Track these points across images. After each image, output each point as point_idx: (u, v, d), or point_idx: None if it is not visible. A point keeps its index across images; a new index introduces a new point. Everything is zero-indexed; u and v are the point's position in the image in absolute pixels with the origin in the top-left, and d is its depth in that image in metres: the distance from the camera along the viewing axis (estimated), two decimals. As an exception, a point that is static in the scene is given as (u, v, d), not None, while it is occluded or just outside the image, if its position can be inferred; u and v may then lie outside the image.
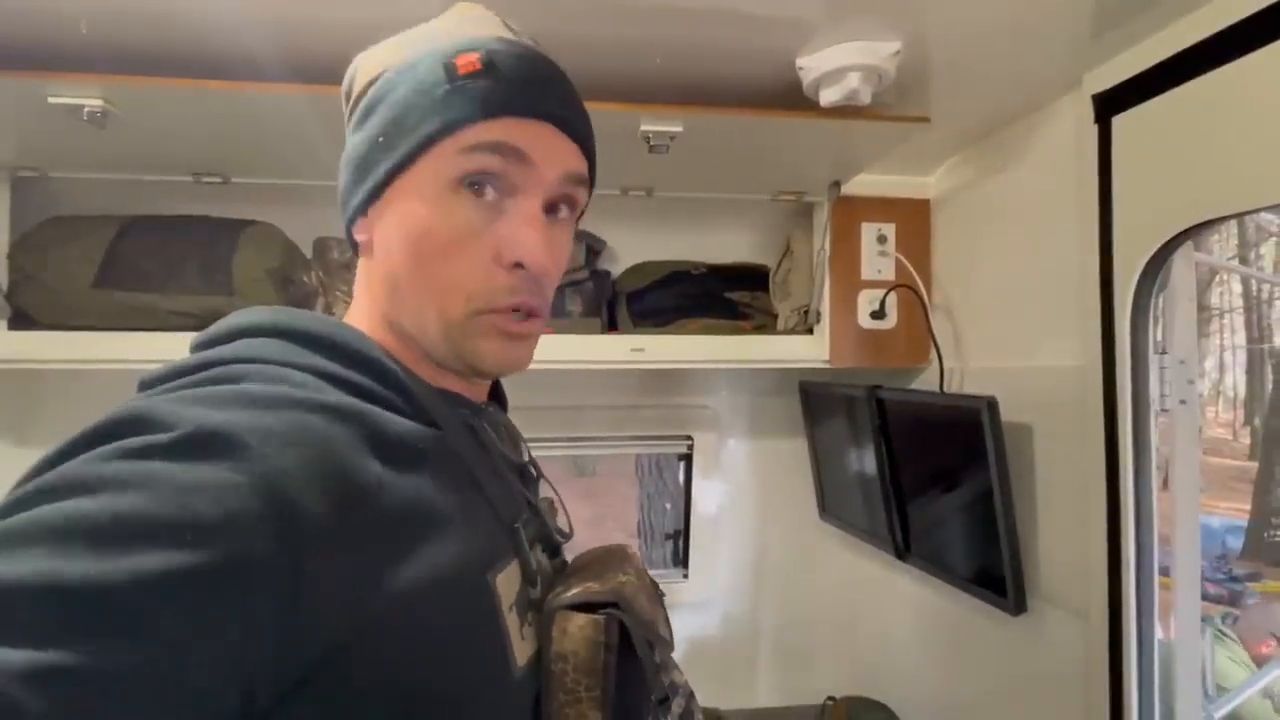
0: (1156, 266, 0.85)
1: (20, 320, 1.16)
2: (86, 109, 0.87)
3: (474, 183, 0.44)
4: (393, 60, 0.47)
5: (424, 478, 0.42)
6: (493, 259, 0.45)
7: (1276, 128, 0.69)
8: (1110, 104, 0.89)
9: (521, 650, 0.44)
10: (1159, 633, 0.89)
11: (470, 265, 0.45)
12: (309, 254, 1.32)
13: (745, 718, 1.55)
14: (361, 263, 0.51)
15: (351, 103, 0.50)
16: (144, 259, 1.17)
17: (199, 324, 1.20)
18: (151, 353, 1.13)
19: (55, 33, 0.83)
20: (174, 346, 1.11)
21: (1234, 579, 5.22)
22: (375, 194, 0.47)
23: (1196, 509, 0.90)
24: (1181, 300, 0.88)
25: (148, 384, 0.41)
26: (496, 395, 0.60)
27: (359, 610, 0.35)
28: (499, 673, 0.42)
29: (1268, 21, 0.69)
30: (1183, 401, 0.87)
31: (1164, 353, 0.88)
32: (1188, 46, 0.78)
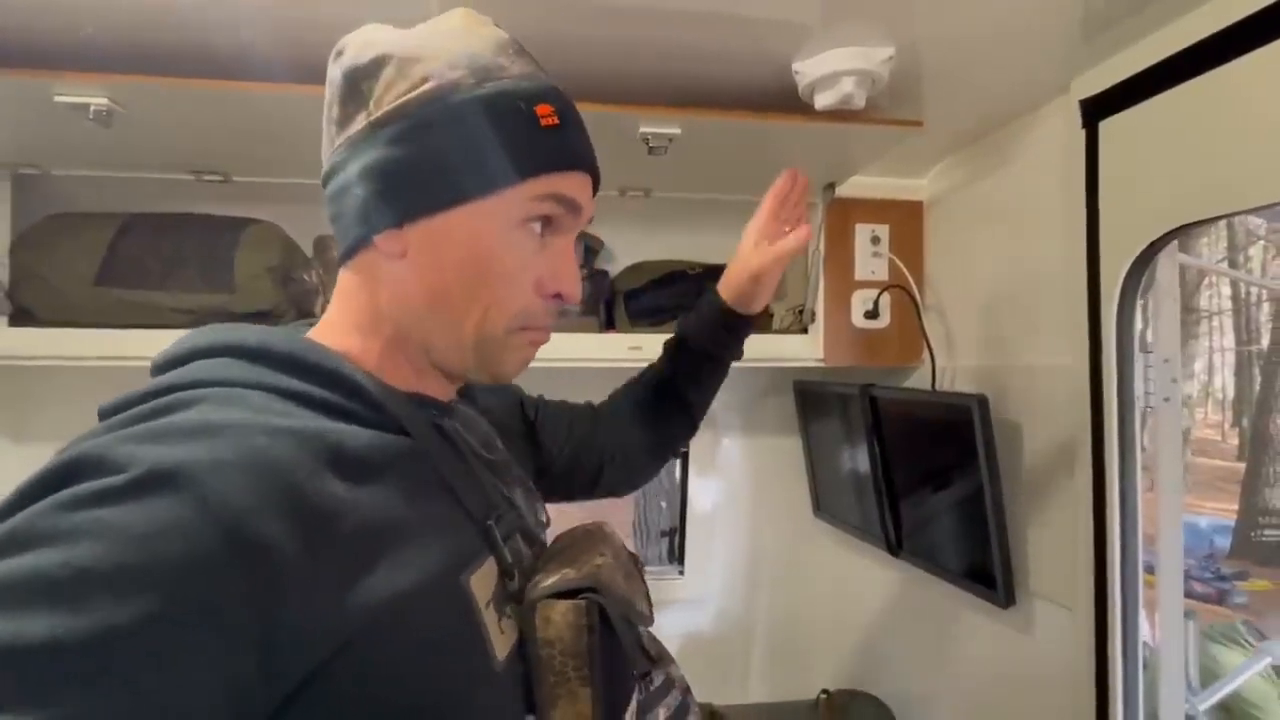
0: (1141, 267, 0.88)
1: (21, 317, 1.17)
2: (92, 107, 0.88)
3: (535, 221, 0.50)
4: (451, 76, 0.47)
5: (388, 489, 0.43)
6: (534, 287, 0.51)
7: (1258, 133, 0.71)
8: (1097, 108, 0.91)
9: (501, 644, 0.46)
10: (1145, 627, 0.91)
11: (517, 291, 0.50)
12: (308, 252, 1.33)
13: (741, 713, 1.56)
14: (371, 266, 0.50)
15: (395, 105, 0.47)
16: (146, 256, 1.18)
17: (200, 321, 1.20)
18: (153, 349, 1.14)
19: (60, 32, 0.84)
20: (175, 343, 1.13)
21: (1221, 578, 5.29)
22: (429, 211, 0.47)
23: (1179, 503, 0.92)
24: (1166, 300, 0.91)
25: (106, 412, 0.42)
26: (465, 391, 0.61)
27: (332, 629, 0.37)
28: (480, 669, 0.44)
29: (1249, 30, 0.72)
30: (1166, 399, 0.89)
31: (1149, 351, 0.91)
32: (1172, 54, 0.80)
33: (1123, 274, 0.88)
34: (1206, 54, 0.76)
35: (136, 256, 1.18)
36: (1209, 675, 1.88)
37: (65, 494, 0.33)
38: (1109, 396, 0.89)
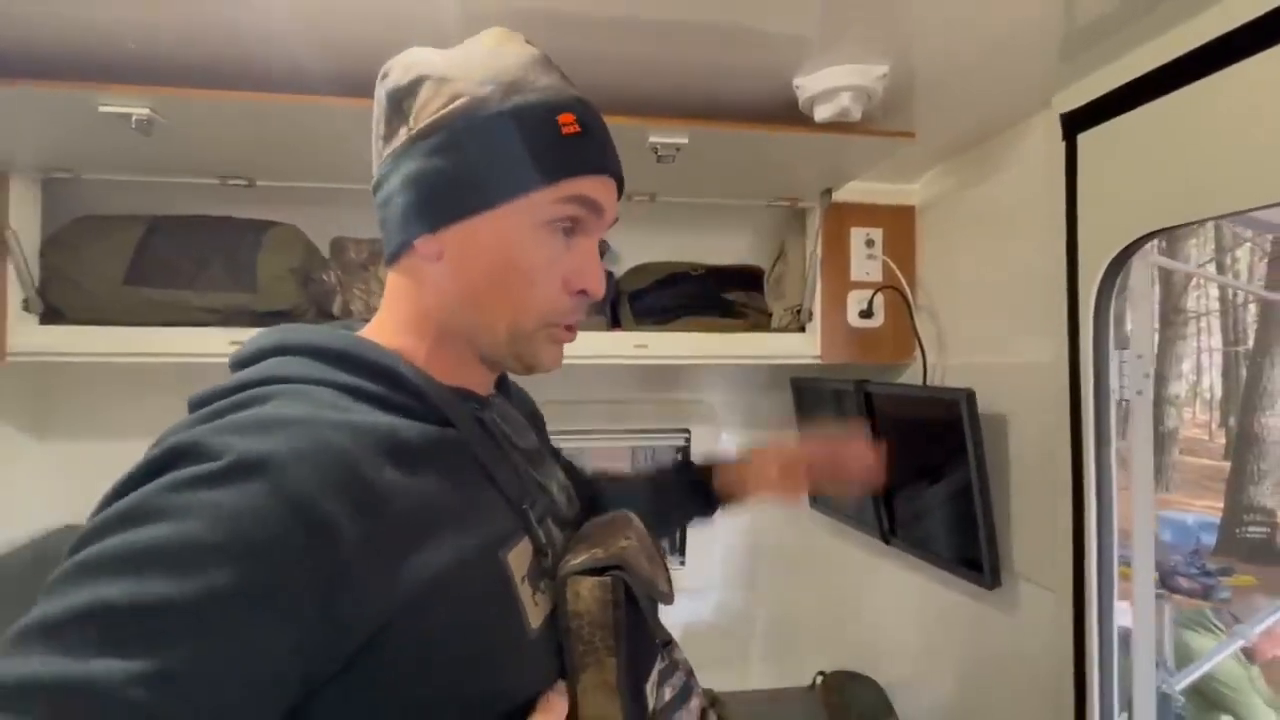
0: (1116, 270, 0.94)
1: (51, 316, 1.21)
2: (135, 118, 0.93)
3: (560, 223, 0.54)
4: (481, 92, 0.52)
5: (435, 476, 0.48)
6: (562, 285, 0.55)
7: (1222, 146, 0.77)
8: (1076, 123, 0.98)
9: (535, 614, 0.50)
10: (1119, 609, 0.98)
11: (547, 289, 0.54)
12: (326, 253, 1.38)
13: (741, 698, 1.62)
14: (415, 269, 0.55)
15: (430, 120, 0.52)
16: (173, 257, 1.23)
17: (224, 319, 1.26)
18: (181, 346, 1.19)
19: (104, 46, 0.89)
20: (202, 341, 1.19)
21: (1207, 573, 5.38)
22: (465, 216, 0.52)
23: (1151, 491, 0.99)
24: (1140, 300, 0.97)
25: (196, 403, 0.48)
26: (501, 385, 0.66)
27: (389, 598, 0.42)
28: (516, 636, 0.49)
29: (1214, 52, 0.78)
30: (1139, 392, 0.96)
31: (1124, 348, 0.97)
32: (1143, 73, 0.87)
33: (1099, 275, 0.94)
34: (1175, 74, 0.83)
35: (164, 257, 1.23)
36: (1182, 659, 1.96)
37: (170, 477, 0.39)
38: (1086, 391, 0.96)
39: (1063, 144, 1.00)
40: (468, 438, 0.53)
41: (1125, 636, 1.01)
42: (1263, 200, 0.73)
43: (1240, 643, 1.88)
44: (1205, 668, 1.77)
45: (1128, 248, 0.92)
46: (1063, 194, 1.00)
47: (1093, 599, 0.96)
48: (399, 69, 0.54)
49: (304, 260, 1.30)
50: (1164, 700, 1.69)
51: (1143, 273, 0.98)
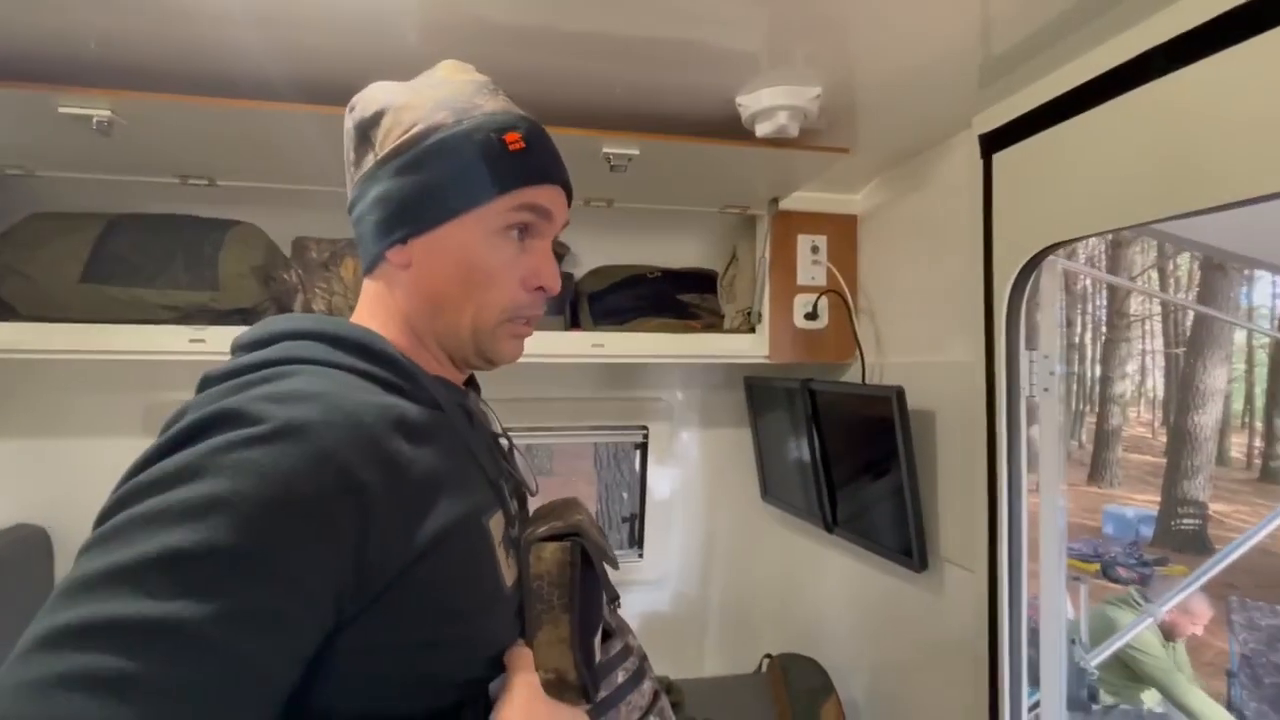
0: (1025, 277, 1.04)
1: (5, 313, 1.20)
2: (95, 119, 0.95)
3: (512, 229, 0.60)
4: (434, 119, 0.58)
5: (435, 450, 0.54)
6: (520, 284, 0.61)
7: (1116, 167, 0.86)
8: (992, 143, 1.07)
9: (509, 575, 0.58)
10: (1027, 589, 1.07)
11: (505, 287, 0.61)
12: (288, 252, 1.40)
13: (696, 685, 1.69)
14: (389, 276, 0.62)
15: (391, 146, 0.58)
16: (133, 255, 1.24)
17: (184, 317, 1.27)
18: (140, 343, 1.20)
19: (65, 48, 0.91)
20: (162, 338, 1.20)
21: (1144, 564, 5.69)
22: (426, 229, 0.58)
23: (1058, 481, 1.09)
24: (1047, 305, 1.07)
25: (211, 379, 0.52)
26: (470, 382, 0.73)
27: (406, 548, 0.48)
28: (496, 590, 0.56)
29: (1110, 81, 0.87)
30: (1046, 390, 1.05)
31: (1034, 349, 1.07)
32: (1049, 99, 0.96)
33: (1010, 282, 1.04)
34: (1076, 101, 0.92)
35: (123, 255, 1.24)
36: (1111, 630, 2.15)
37: (217, 439, 0.43)
38: (999, 388, 1.05)
39: (980, 162, 1.09)
40: (454, 420, 0.59)
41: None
42: (1154, 215, 0.82)
43: (1149, 620, 2.04)
44: (1117, 645, 1.92)
45: (1035, 257, 1.01)
46: (981, 208, 1.09)
47: (1004, 578, 1.06)
48: (363, 103, 0.61)
49: (266, 259, 1.32)
50: (1079, 674, 1.83)
51: (1050, 281, 1.08)
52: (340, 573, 0.45)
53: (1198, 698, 2.11)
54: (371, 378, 0.55)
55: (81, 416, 1.41)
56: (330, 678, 0.47)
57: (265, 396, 0.47)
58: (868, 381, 1.45)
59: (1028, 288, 1.05)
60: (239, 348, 0.57)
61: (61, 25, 0.87)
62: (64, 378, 1.43)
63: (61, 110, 0.94)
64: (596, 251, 1.59)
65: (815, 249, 1.50)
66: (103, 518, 0.42)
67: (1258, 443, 13.12)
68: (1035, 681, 1.10)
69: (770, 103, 1.01)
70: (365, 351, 0.56)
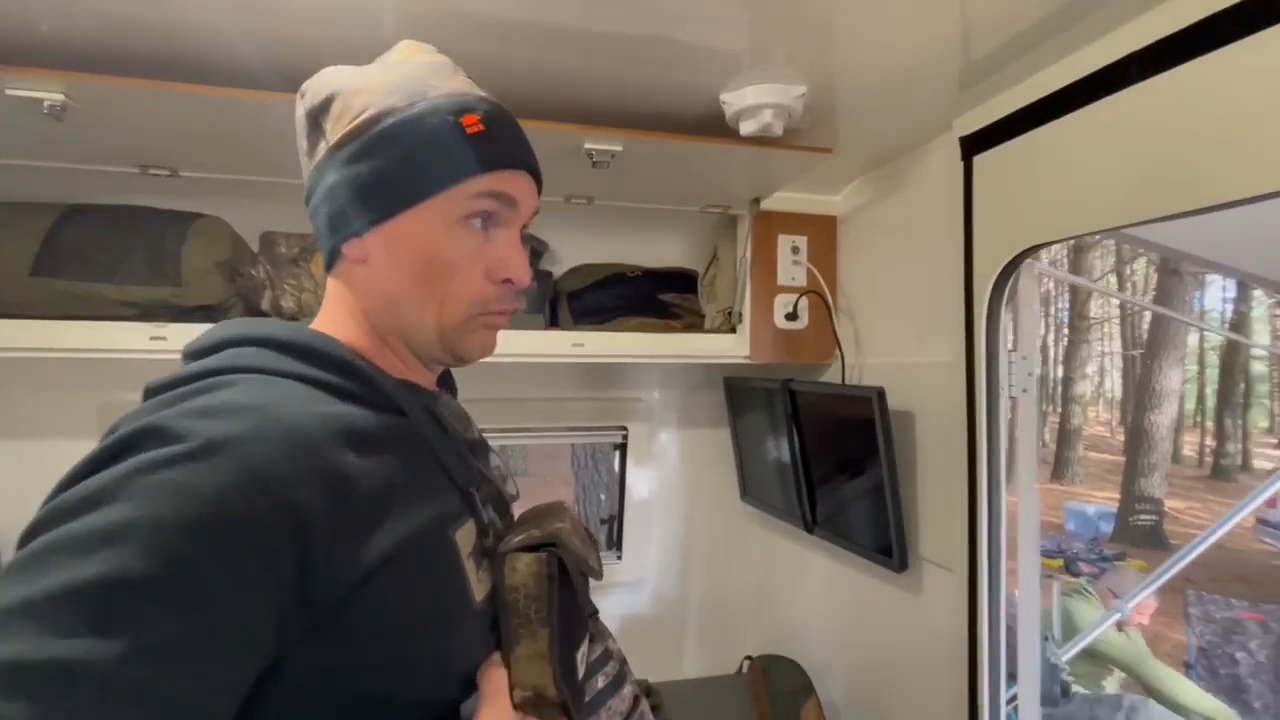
0: (1005, 279, 1.05)
1: (-53, 307, 1.14)
2: (46, 103, 0.90)
3: (474, 218, 0.56)
4: (386, 103, 0.54)
5: (391, 460, 0.50)
6: (485, 275, 0.57)
7: (1095, 171, 0.87)
8: (973, 145, 1.08)
9: (479, 588, 0.55)
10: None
11: (469, 280, 0.57)
12: (255, 247, 1.35)
13: (674, 687, 1.68)
14: (347, 273, 0.58)
15: (342, 133, 0.55)
16: (89, 247, 1.18)
17: (144, 314, 1.21)
18: (96, 341, 1.14)
19: (14, 29, 0.86)
20: (120, 336, 1.15)
21: (1104, 558, 5.90)
22: (382, 220, 0.54)
23: (1035, 480, 1.10)
24: (1024, 307, 1.08)
25: (154, 389, 0.49)
26: (446, 382, 0.69)
27: (353, 569, 0.45)
28: (462, 606, 0.53)
29: (1089, 86, 0.89)
30: (1025, 390, 1.06)
31: (1013, 350, 1.08)
32: (1029, 103, 0.97)
33: (990, 284, 1.05)
34: (1056, 105, 0.93)
35: (78, 247, 1.17)
36: (1067, 624, 2.24)
37: (135, 460, 0.40)
38: (979, 389, 1.06)
39: (961, 164, 1.10)
40: (419, 426, 0.56)
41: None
42: (1133, 218, 0.83)
43: (1117, 616, 2.11)
44: (1086, 641, 1.98)
45: (1015, 259, 1.03)
46: (961, 210, 1.10)
47: (983, 577, 1.07)
48: (313, 88, 0.57)
49: (232, 254, 1.27)
50: (1052, 670, 1.88)
51: (1029, 283, 1.09)
52: (278, 595, 0.42)
53: (1168, 674, 2.20)
54: (323, 385, 0.51)
55: (34, 418, 1.34)
56: (284, 703, 0.44)
57: (193, 411, 0.43)
58: (847, 381, 1.46)
59: (1007, 289, 1.06)
60: (186, 355, 0.54)
61: (9, 3, 0.81)
62: (12, 375, 1.35)
63: (9, 92, 0.88)
64: (577, 250, 1.56)
65: (796, 249, 1.50)
66: (24, 539, 0.39)
67: (1209, 441, 13.68)
68: (1012, 677, 1.12)
69: (755, 100, 1.00)
70: (316, 357, 0.53)
